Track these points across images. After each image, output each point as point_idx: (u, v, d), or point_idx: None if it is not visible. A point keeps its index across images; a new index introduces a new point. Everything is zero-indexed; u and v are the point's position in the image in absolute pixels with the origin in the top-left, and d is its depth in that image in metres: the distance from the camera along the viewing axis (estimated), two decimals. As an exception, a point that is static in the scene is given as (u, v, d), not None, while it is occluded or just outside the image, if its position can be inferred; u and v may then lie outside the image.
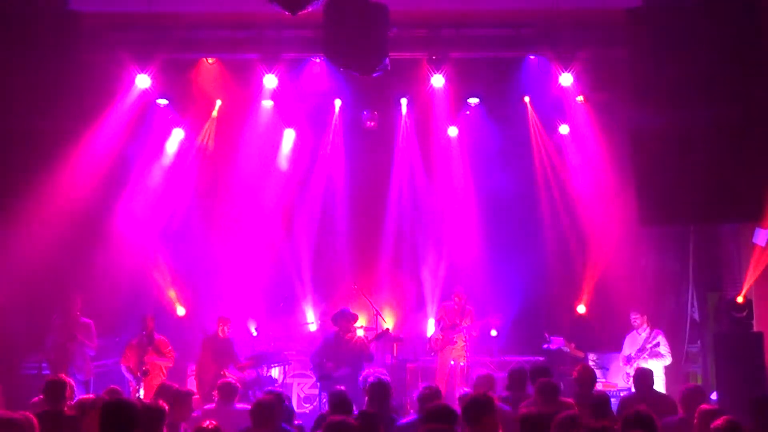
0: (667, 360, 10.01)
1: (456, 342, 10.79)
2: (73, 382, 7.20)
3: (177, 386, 7.66)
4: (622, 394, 9.28)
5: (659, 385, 9.16)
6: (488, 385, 7.26)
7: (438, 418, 5.37)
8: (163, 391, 7.26)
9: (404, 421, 6.40)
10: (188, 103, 11.77)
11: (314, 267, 12.57)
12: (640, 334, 10.15)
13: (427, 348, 11.14)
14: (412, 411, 8.35)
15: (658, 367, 9.74)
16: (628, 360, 10.04)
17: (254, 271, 12.03)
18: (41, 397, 7.86)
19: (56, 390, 6.74)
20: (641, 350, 10.00)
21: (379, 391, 6.56)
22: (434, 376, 10.84)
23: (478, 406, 5.43)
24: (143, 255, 11.66)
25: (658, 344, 9.99)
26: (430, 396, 6.40)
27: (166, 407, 5.76)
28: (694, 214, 9.14)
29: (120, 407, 4.93)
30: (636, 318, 10.20)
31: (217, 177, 12.21)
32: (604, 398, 6.61)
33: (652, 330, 10.12)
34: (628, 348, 10.20)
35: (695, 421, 5.98)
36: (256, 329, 11.59)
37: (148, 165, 11.89)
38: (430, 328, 11.81)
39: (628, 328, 10.43)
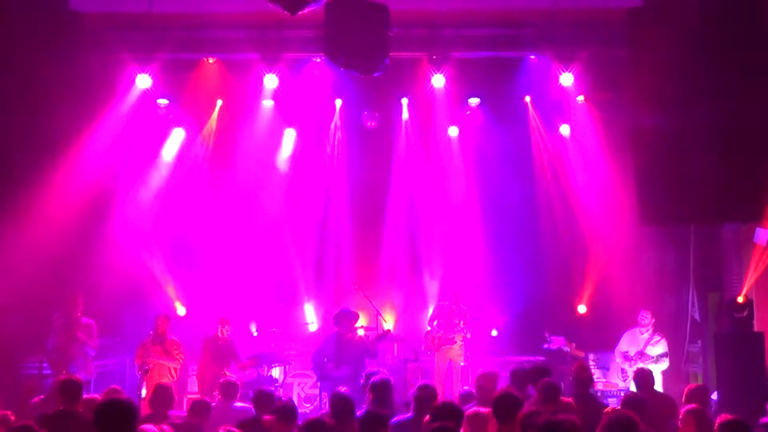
0: (666, 365, 10.05)
1: (455, 342, 10.79)
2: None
3: (172, 387, 7.69)
4: (621, 394, 9.29)
5: (657, 385, 9.16)
6: (492, 383, 7.24)
7: (446, 416, 5.38)
8: (157, 391, 7.27)
9: (399, 418, 6.40)
10: (189, 103, 11.78)
11: (315, 267, 12.58)
12: (642, 334, 10.11)
13: (422, 347, 11.11)
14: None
15: (656, 370, 9.78)
16: (627, 358, 10.03)
17: (255, 271, 12.03)
18: (42, 397, 7.89)
19: (71, 389, 6.75)
20: (641, 353, 9.99)
21: (382, 390, 6.57)
22: (432, 375, 10.84)
23: (512, 403, 5.47)
24: (144, 255, 11.66)
25: (664, 354, 9.99)
26: (430, 396, 6.39)
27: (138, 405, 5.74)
28: (695, 214, 9.14)
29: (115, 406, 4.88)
30: (645, 317, 10.16)
31: (217, 177, 12.21)
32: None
33: (654, 332, 10.11)
34: (626, 345, 10.17)
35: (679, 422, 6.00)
36: (256, 329, 11.58)
37: (148, 165, 11.90)
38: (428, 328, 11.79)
39: (629, 327, 10.41)
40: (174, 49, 10.48)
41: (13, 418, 6.15)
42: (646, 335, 10.10)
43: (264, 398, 6.89)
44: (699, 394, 6.99)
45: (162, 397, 7.21)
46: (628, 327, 10.39)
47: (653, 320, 10.18)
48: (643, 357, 9.92)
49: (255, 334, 11.61)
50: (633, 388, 8.47)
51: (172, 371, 10.00)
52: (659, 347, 10.02)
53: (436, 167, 12.54)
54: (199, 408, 7.01)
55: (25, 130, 9.31)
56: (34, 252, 9.55)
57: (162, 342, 9.91)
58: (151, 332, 9.96)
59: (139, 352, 9.95)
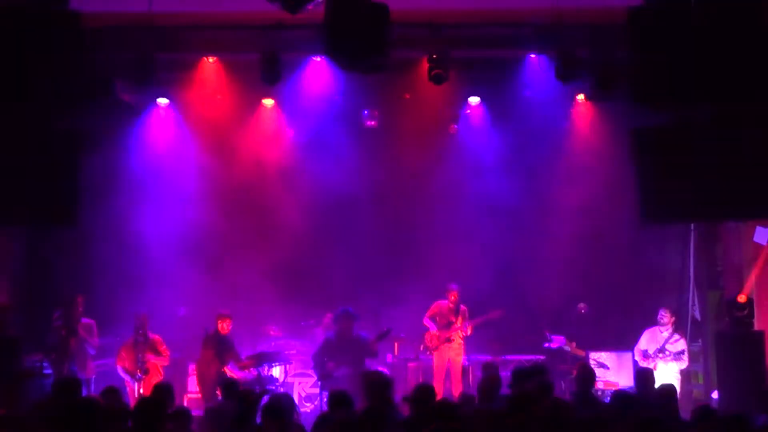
0: (685, 364, 10.09)
1: (454, 340, 10.79)
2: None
3: (171, 386, 7.69)
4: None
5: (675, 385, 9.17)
6: (493, 386, 7.23)
7: (443, 416, 5.39)
8: (158, 390, 7.26)
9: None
10: (189, 103, 11.77)
11: (314, 266, 12.56)
12: (661, 332, 10.16)
13: (421, 347, 11.10)
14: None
15: (675, 370, 9.85)
16: (646, 357, 10.05)
17: (255, 270, 12.01)
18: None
19: (70, 389, 6.74)
20: (661, 350, 10.01)
21: (380, 387, 6.57)
22: (432, 375, 10.83)
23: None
24: (144, 254, 11.66)
25: (683, 351, 10.04)
26: (428, 396, 6.36)
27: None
28: (695, 213, 9.15)
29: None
30: (664, 315, 10.23)
31: (217, 176, 12.21)
32: None
33: (674, 331, 10.15)
34: (646, 343, 10.20)
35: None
36: (255, 329, 11.58)
37: (148, 165, 11.89)
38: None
39: (629, 326, 10.44)
40: (174, 49, 10.49)
41: None
42: (665, 334, 10.15)
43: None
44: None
45: (164, 395, 7.19)
46: (627, 326, 10.42)
47: (673, 319, 10.23)
48: (663, 353, 9.96)
49: (254, 333, 11.60)
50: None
51: (160, 369, 10.04)
52: (679, 346, 10.07)
53: (436, 166, 12.54)
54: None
55: (24, 130, 9.29)
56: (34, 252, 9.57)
57: (147, 341, 9.94)
58: (139, 332, 9.96)
59: (122, 354, 9.95)
